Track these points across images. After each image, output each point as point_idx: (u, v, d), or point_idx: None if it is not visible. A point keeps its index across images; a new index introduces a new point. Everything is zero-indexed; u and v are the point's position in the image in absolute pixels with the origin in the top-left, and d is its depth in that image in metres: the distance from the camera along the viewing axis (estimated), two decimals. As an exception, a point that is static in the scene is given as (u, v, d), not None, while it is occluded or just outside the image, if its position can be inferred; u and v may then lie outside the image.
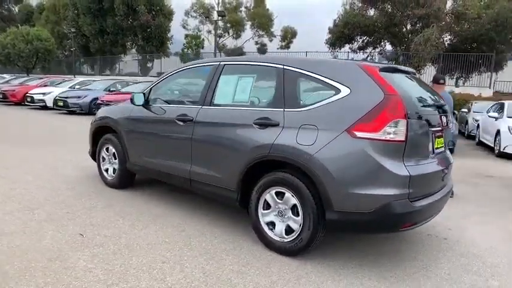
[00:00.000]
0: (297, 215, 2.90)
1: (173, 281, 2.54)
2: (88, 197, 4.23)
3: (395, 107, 2.60)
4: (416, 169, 2.69)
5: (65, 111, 13.99)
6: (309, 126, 2.82)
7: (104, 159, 4.77)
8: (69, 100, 13.13)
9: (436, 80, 5.49)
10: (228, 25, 30.61)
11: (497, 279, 2.80)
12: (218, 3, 31.16)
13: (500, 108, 9.88)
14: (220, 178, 3.36)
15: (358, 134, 2.62)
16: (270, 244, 3.07)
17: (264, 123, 3.06)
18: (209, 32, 32.30)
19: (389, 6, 24.04)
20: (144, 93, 4.12)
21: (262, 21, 30.80)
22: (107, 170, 4.74)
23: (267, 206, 3.10)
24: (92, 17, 30.82)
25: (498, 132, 8.92)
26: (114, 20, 29.85)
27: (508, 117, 9.09)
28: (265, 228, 3.10)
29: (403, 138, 2.60)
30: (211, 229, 3.48)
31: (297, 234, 2.90)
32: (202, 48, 37.91)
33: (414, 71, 3.43)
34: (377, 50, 26.29)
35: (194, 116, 3.59)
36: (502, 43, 22.49)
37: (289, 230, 2.97)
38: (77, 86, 15.48)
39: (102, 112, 4.88)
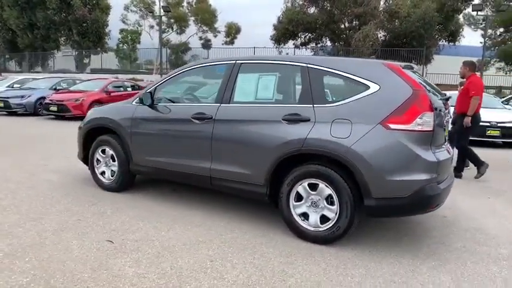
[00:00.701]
0: (332, 204, 3.08)
1: (232, 278, 2.58)
2: (90, 203, 4.02)
3: (423, 100, 2.89)
4: (439, 156, 3.01)
5: (4, 113, 12.74)
6: (342, 120, 3.00)
7: (98, 162, 4.53)
8: (11, 100, 11.96)
9: None
10: (172, 20, 29.80)
11: (504, 247, 3.24)
12: (160, -3, 30.21)
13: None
14: (248, 174, 3.42)
15: (392, 126, 2.86)
16: (303, 234, 3.21)
17: (294, 119, 3.18)
18: (151, 27, 31.24)
19: (328, 4, 25.17)
20: (150, 93, 4.01)
21: (206, 16, 30.50)
22: (103, 173, 4.51)
23: (298, 198, 3.24)
24: (19, 10, 28.12)
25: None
26: (46, 14, 27.53)
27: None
28: (298, 219, 3.24)
29: (431, 128, 2.90)
30: (238, 225, 3.53)
31: (333, 223, 3.07)
32: (139, 43, 36.46)
33: (415, 66, 3.77)
34: (319, 45, 27.39)
35: (213, 114, 3.59)
36: (429, 39, 24.73)
37: (324, 219, 3.14)
38: (16, 85, 14.12)
39: (95, 113, 4.61)
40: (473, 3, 23.17)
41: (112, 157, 4.39)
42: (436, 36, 25.12)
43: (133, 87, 14.82)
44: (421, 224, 3.74)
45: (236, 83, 3.61)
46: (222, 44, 31.42)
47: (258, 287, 2.48)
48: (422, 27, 23.04)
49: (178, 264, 2.75)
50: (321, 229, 3.14)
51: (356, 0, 22.81)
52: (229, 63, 3.73)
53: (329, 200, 3.10)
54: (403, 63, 3.22)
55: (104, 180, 4.50)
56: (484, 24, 28.57)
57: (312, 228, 3.18)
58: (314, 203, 3.18)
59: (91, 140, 4.57)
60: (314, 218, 3.18)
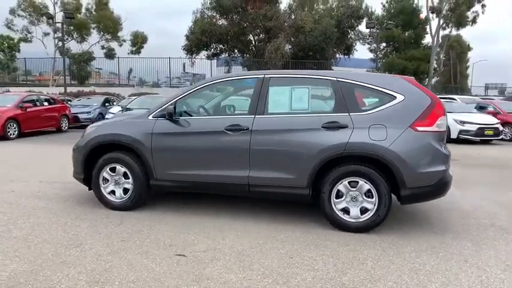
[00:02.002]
0: (370, 197, 3.61)
1: (322, 267, 2.90)
2: (114, 224, 3.84)
3: (440, 107, 3.62)
4: (447, 150, 3.78)
5: None
6: (378, 125, 3.56)
7: (106, 181, 4.31)
8: None
9: None
10: (71, 27, 27.37)
11: (502, 219, 4.18)
12: (55, 2, 27.42)
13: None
14: (290, 178, 3.74)
15: (419, 128, 3.52)
16: (345, 226, 3.67)
17: (333, 126, 3.64)
18: (46, 34, 28.13)
19: (237, 17, 26.25)
20: (174, 107, 4.03)
21: (109, 24, 28.83)
22: (112, 193, 4.31)
23: (338, 195, 3.69)
24: None
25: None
26: None
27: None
28: (340, 214, 3.69)
29: (445, 129, 3.66)
30: (282, 226, 3.80)
31: (373, 212, 3.60)
32: (19, 51, 32.17)
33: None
34: (231, 56, 28.22)
35: (250, 125, 3.83)
36: (329, 52, 27.63)
37: (364, 211, 3.65)
38: None
39: (100, 130, 4.36)
40: (365, 21, 26.65)
41: (124, 175, 4.24)
42: (335, 49, 28.14)
43: (48, 101, 13.47)
44: (418, 213, 4.52)
45: (268, 95, 3.91)
46: (128, 53, 30.12)
47: (349, 271, 2.85)
48: (324, 41, 25.67)
49: (267, 264, 2.95)
50: (361, 219, 3.64)
51: (266, 14, 24.27)
52: (258, 77, 4.01)
53: (367, 194, 3.62)
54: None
55: (112, 199, 4.30)
56: (370, 39, 33.05)
57: (353, 220, 3.66)
58: (353, 198, 3.67)
59: (95, 159, 4.33)
60: (355, 211, 3.66)
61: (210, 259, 3.05)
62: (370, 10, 28.24)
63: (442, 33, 33.26)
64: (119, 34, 30.34)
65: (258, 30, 27.23)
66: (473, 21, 30.25)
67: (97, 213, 4.18)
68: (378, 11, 32.92)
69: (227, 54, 27.83)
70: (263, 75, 4.01)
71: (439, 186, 3.58)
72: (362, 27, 29.45)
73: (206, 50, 27.20)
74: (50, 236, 3.48)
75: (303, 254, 3.16)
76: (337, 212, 3.69)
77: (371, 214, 3.62)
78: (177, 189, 4.24)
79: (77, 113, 14.73)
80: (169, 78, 30.16)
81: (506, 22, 73.52)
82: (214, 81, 4.27)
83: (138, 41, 30.64)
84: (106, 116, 14.93)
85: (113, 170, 4.27)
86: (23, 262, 2.93)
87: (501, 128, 11.90)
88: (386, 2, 33.93)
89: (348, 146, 3.57)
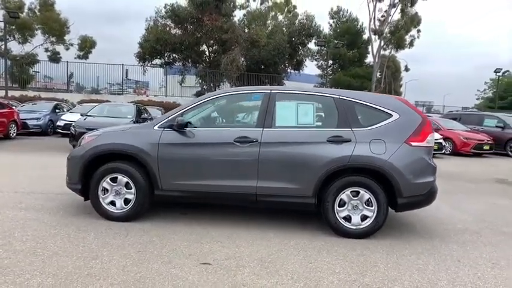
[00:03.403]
0: (369, 205, 3.96)
1: (345, 272, 3.16)
2: (121, 235, 3.78)
3: (429, 125, 4.10)
4: (434, 163, 4.26)
5: None
6: (378, 140, 3.94)
7: (106, 191, 4.21)
8: None
9: (198, 95, 7.68)
10: (13, 27, 25.32)
11: (472, 224, 4.74)
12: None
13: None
14: (297, 188, 3.97)
15: (413, 143, 3.96)
16: (347, 233, 3.96)
17: (338, 140, 3.96)
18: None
19: (192, 27, 26.22)
20: (182, 119, 4.10)
21: (55, 27, 27.20)
22: (111, 203, 4.22)
23: (340, 204, 3.99)
24: None
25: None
26: None
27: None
28: (342, 221, 3.99)
29: (433, 144, 4.14)
30: (291, 235, 3.99)
31: (372, 219, 3.94)
32: None
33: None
34: (185, 66, 27.99)
35: (258, 138, 4.01)
36: (281, 67, 28.58)
37: (364, 218, 3.98)
38: None
39: (100, 139, 4.25)
40: (314, 39, 28.01)
41: (126, 185, 4.18)
42: (287, 64, 29.17)
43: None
44: (407, 221, 4.98)
45: (275, 110, 4.14)
46: (75, 58, 28.55)
47: (367, 273, 3.13)
48: (277, 56, 26.54)
49: (291, 269, 3.14)
50: (361, 226, 3.97)
51: (222, 27, 24.55)
52: (265, 92, 4.23)
53: (367, 202, 3.97)
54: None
55: (113, 210, 4.21)
56: (317, 56, 34.75)
57: (354, 227, 3.98)
58: (354, 207, 3.99)
59: (92, 169, 4.22)
60: (356, 218, 3.98)
61: (236, 266, 3.16)
62: (318, 29, 29.73)
63: (382, 53, 35.97)
64: (66, 37, 28.73)
65: (212, 42, 27.42)
66: (411, 44, 33.22)
67: (97, 224, 4.07)
68: (326, 30, 34.83)
69: (181, 64, 27.58)
70: (270, 91, 4.23)
71: (429, 195, 4.04)
72: (311, 45, 30.87)
73: (160, 59, 26.75)
74: (59, 249, 3.35)
75: (319, 260, 3.39)
76: (339, 219, 3.99)
77: (370, 221, 3.96)
78: (182, 199, 4.27)
79: (25, 119, 13.72)
80: (122, 84, 29.13)
81: (435, 47, 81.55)
82: (221, 95, 4.41)
83: (87, 46, 29.24)
84: (58, 123, 14.13)
85: (114, 180, 4.20)
86: (45, 276, 2.82)
87: (444, 143, 13.22)
88: (333, 22, 36.03)
89: (352, 159, 3.90)
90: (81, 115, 11.31)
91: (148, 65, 26.86)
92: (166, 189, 4.14)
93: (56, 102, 16.90)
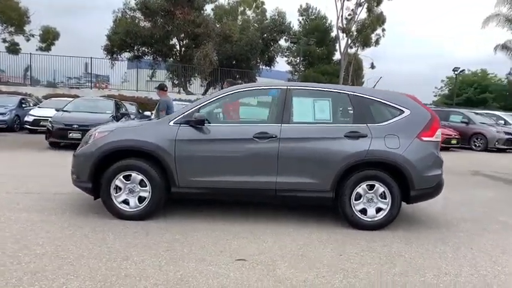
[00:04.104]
0: (384, 198, 4.11)
1: (376, 263, 3.27)
2: (141, 234, 3.68)
3: (437, 121, 4.30)
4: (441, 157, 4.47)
5: None
6: (392, 135, 4.09)
7: (118, 189, 4.07)
8: None
9: (161, 88, 7.98)
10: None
11: (468, 213, 5.02)
12: None
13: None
14: (316, 183, 4.04)
15: (424, 138, 4.15)
16: (363, 225, 4.09)
17: (355, 136, 4.06)
18: None
19: (162, 20, 25.60)
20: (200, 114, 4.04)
21: (13, 16, 25.50)
22: (124, 202, 4.09)
23: (356, 197, 4.11)
24: None
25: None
26: None
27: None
28: (359, 214, 4.11)
29: (440, 139, 4.35)
30: (310, 229, 4.05)
31: (387, 211, 4.09)
32: None
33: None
34: (155, 60, 27.31)
35: (277, 133, 4.04)
36: (254, 62, 28.61)
37: (378, 211, 4.13)
38: None
39: (116, 135, 4.09)
40: (285, 35, 28.25)
41: (140, 182, 4.07)
42: (259, 60, 29.21)
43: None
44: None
45: (293, 106, 4.18)
46: (36, 49, 26.94)
47: (396, 263, 3.26)
48: (249, 51, 26.51)
49: (326, 262, 3.21)
50: (376, 218, 4.12)
51: (194, 21, 24.16)
52: (282, 88, 4.25)
53: (381, 195, 4.12)
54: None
55: (126, 209, 4.08)
56: (288, 53, 35.06)
57: (370, 219, 4.12)
58: (369, 200, 4.13)
59: (103, 167, 4.07)
60: (371, 211, 4.12)
61: (271, 261, 3.19)
62: (289, 26, 29.98)
63: (350, 51, 36.91)
64: (26, 28, 27.03)
65: (183, 35, 26.91)
66: (377, 42, 34.32)
67: (111, 224, 3.93)
68: (295, 27, 35.19)
69: (152, 58, 26.87)
70: (286, 87, 4.26)
71: (438, 187, 4.25)
72: (281, 41, 31.08)
73: (129, 52, 25.90)
74: (83, 251, 3.21)
75: (347, 252, 3.48)
76: (356, 212, 4.11)
77: (385, 213, 4.11)
78: (200, 196, 4.22)
79: (-11, 115, 12.84)
80: (91, 77, 28.00)
81: (398, 45, 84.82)
82: (237, 91, 4.38)
83: (49, 37, 27.68)
84: (26, 119, 13.37)
85: (127, 177, 4.07)
86: (82, 279, 2.71)
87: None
88: (303, 19, 36.48)
89: (368, 153, 4.03)
90: (56, 110, 10.75)
91: (119, 58, 25.98)
92: (184, 186, 4.07)
93: (21, 96, 15.93)
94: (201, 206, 4.66)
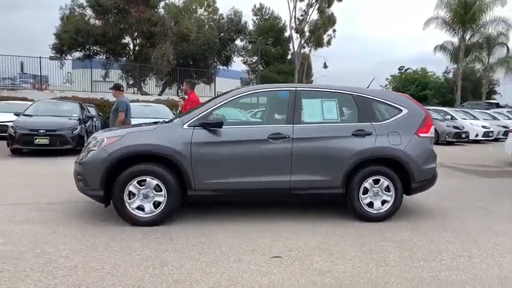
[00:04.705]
0: (388, 191, 4.41)
1: (398, 252, 3.52)
2: (166, 240, 3.65)
3: (430, 118, 4.69)
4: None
5: None
6: (394, 132, 4.40)
7: (132, 195, 3.98)
8: None
9: (117, 87, 7.23)
10: None
11: (453, 201, 5.49)
12: None
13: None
14: (328, 180, 4.24)
15: (421, 135, 4.51)
16: (369, 218, 4.36)
17: (362, 134, 4.32)
18: None
19: (113, 18, 24.64)
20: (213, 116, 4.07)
21: None
22: (139, 208, 4.00)
23: (363, 191, 4.38)
24: None
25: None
26: None
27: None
28: (366, 207, 4.38)
29: (434, 135, 4.75)
30: (325, 224, 4.24)
31: (391, 203, 4.40)
32: None
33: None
34: (107, 59, 26.22)
35: (290, 134, 4.18)
36: (211, 62, 28.46)
37: (383, 203, 4.42)
38: None
39: (129, 140, 3.97)
40: (243, 35, 28.42)
41: (155, 187, 4.01)
42: (216, 59, 29.09)
43: None
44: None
45: (302, 107, 4.34)
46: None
47: (415, 250, 3.54)
48: (207, 50, 26.32)
49: (354, 254, 3.40)
50: (381, 210, 4.41)
51: (150, 19, 23.51)
52: (290, 90, 4.39)
53: (386, 189, 4.42)
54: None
55: (141, 215, 4.00)
56: (243, 52, 35.26)
57: (376, 212, 4.40)
58: (375, 193, 4.41)
59: (115, 173, 3.96)
60: (377, 204, 4.41)
61: (305, 256, 3.32)
62: (245, 25, 30.19)
63: (303, 51, 38.00)
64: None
65: (136, 34, 26.08)
66: (328, 42, 35.68)
67: (128, 231, 3.84)
68: (250, 26, 35.48)
69: (104, 57, 25.73)
70: (295, 88, 4.41)
71: (433, 179, 4.65)
72: (238, 41, 31.20)
73: (80, 51, 24.59)
74: (116, 260, 3.12)
75: (367, 243, 3.71)
76: (364, 206, 4.37)
77: (389, 205, 4.42)
78: (215, 198, 4.23)
79: None
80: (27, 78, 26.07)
81: (349, 45, 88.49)
82: (247, 93, 4.44)
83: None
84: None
85: (141, 183, 3.99)
86: (131, 288, 2.66)
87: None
88: (257, 19, 36.88)
89: (375, 150, 4.31)
90: (16, 115, 10.00)
91: (70, 58, 24.60)
92: (200, 189, 4.07)
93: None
94: (204, 208, 4.67)
